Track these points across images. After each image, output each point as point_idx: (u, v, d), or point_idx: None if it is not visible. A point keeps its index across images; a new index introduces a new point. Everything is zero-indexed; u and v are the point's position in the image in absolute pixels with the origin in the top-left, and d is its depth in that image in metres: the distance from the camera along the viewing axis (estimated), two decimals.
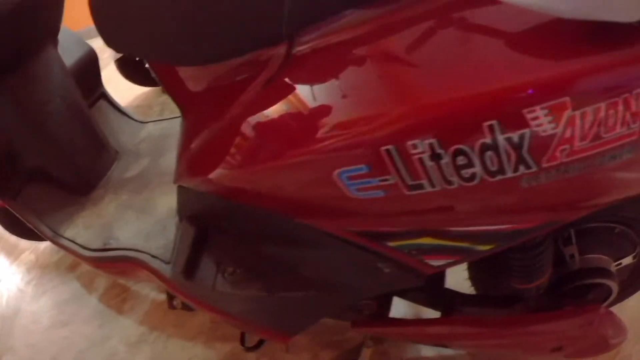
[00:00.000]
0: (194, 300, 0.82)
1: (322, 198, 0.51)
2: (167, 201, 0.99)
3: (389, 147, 0.40)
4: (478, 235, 0.48)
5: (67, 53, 1.20)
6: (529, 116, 0.35)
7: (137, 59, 1.85)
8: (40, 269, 1.49)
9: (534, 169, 0.38)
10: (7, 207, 1.15)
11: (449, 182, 0.41)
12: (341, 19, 0.48)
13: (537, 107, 0.35)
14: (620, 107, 0.35)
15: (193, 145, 0.65)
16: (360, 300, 0.74)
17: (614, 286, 0.68)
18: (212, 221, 0.72)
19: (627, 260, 0.71)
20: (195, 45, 0.56)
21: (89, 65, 1.30)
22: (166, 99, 1.97)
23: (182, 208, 0.79)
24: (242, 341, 1.02)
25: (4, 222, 1.42)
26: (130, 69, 1.95)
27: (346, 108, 0.43)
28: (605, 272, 0.66)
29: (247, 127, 0.54)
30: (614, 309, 0.76)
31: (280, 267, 0.67)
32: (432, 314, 0.88)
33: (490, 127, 0.36)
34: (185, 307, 0.99)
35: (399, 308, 1.01)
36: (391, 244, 0.52)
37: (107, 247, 0.95)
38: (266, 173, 0.53)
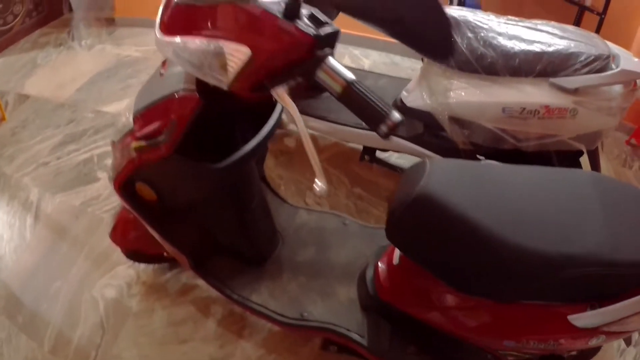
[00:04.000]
0: None
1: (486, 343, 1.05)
2: (345, 291, 1.27)
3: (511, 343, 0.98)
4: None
5: None
6: None
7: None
8: (145, 287, 1.60)
9: None
10: (196, 273, 1.30)
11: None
12: None
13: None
14: None
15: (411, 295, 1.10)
16: None
17: None
18: (401, 322, 1.14)
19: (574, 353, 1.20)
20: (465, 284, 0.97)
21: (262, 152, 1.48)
22: None
23: (372, 305, 1.18)
24: None
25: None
26: None
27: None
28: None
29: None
30: None
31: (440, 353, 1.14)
32: None
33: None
34: (340, 351, 1.29)
35: None
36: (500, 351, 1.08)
37: (305, 318, 1.21)
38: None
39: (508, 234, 0.83)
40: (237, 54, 0.82)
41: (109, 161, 2.14)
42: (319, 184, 0.83)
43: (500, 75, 1.47)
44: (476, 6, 2.61)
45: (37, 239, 1.78)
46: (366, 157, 2.00)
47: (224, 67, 0.84)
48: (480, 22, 1.52)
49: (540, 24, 1.57)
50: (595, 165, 1.69)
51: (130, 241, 1.44)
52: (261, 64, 0.83)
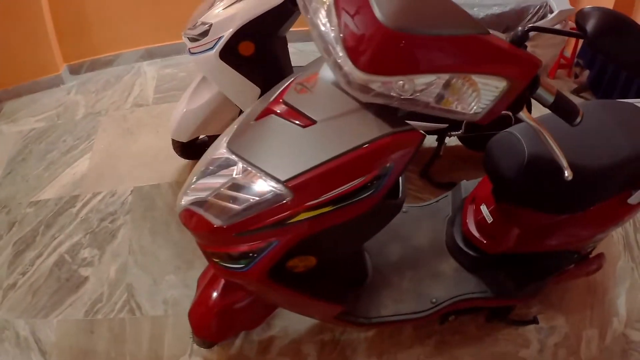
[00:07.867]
0: (511, 301, 1.39)
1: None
2: (446, 265, 1.36)
3: None
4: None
5: None
6: None
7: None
8: None
9: None
10: (340, 322, 1.24)
11: None
12: None
13: None
14: None
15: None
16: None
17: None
18: (508, 263, 1.29)
19: None
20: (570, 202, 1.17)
21: None
22: None
23: (479, 263, 1.32)
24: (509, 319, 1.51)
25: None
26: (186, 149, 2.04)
27: None
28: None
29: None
30: None
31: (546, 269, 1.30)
32: None
33: None
34: (457, 317, 1.42)
35: None
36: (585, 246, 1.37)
37: (436, 303, 1.28)
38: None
39: (588, 161, 1.10)
40: (492, 86, 0.85)
41: (84, 253, 1.83)
42: (566, 172, 0.91)
43: None
44: None
45: None
46: None
47: (472, 100, 0.85)
48: None
49: None
50: None
51: (232, 329, 1.34)
52: (513, 93, 0.86)
